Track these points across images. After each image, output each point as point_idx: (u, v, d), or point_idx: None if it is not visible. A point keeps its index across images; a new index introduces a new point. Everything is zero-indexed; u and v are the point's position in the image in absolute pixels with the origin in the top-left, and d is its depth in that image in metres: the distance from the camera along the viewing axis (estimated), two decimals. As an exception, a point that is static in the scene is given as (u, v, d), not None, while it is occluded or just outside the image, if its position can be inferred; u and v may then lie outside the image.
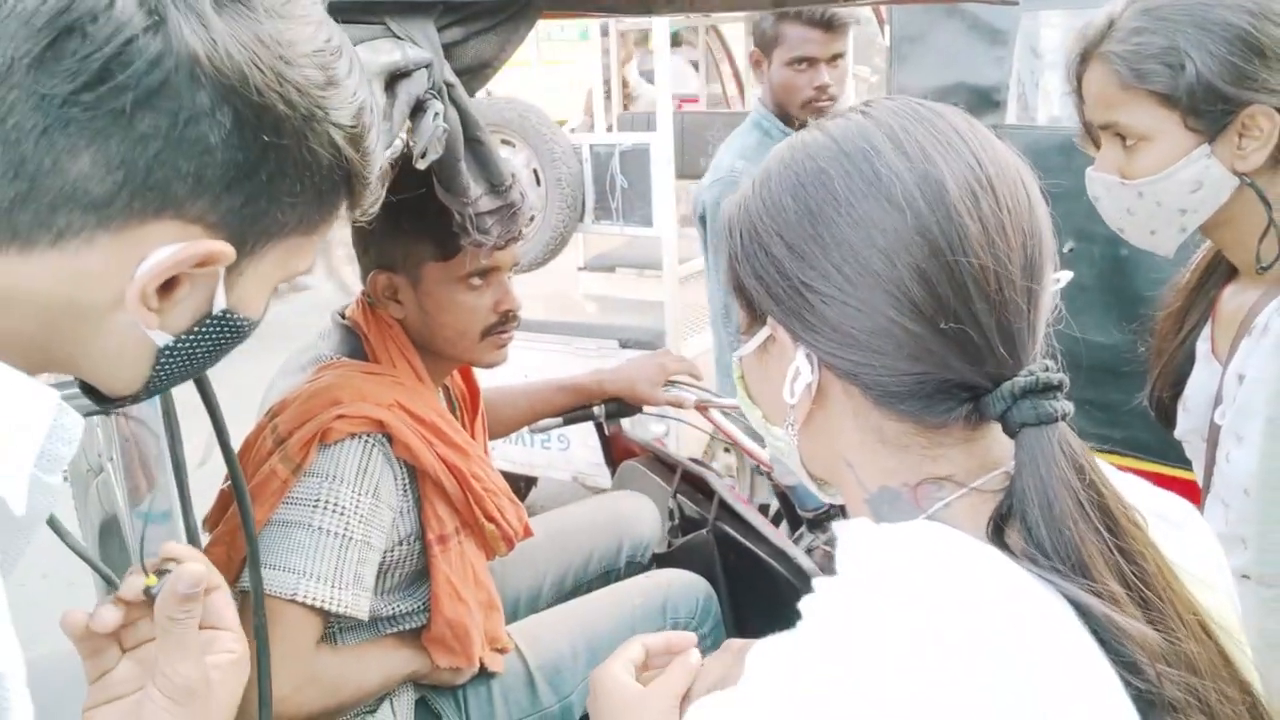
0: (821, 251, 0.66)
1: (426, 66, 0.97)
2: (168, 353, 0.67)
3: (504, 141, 3.23)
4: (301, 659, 1.33)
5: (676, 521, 2.18)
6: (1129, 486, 0.74)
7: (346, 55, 0.66)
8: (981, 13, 2.71)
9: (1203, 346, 1.28)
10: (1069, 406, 0.66)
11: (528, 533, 1.65)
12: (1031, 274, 0.66)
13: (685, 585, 1.79)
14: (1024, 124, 2.74)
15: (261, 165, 0.62)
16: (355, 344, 1.51)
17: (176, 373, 0.70)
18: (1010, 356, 0.65)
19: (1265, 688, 0.68)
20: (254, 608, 1.12)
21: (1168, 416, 1.35)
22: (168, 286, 0.63)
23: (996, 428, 0.68)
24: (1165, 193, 1.14)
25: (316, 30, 0.64)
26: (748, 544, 1.98)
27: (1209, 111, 1.09)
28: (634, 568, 2.05)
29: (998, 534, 0.65)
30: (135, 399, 0.72)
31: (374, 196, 0.72)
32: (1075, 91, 1.21)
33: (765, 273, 0.69)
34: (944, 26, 2.82)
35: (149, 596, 0.73)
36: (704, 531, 2.08)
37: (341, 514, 1.34)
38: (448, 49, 1.02)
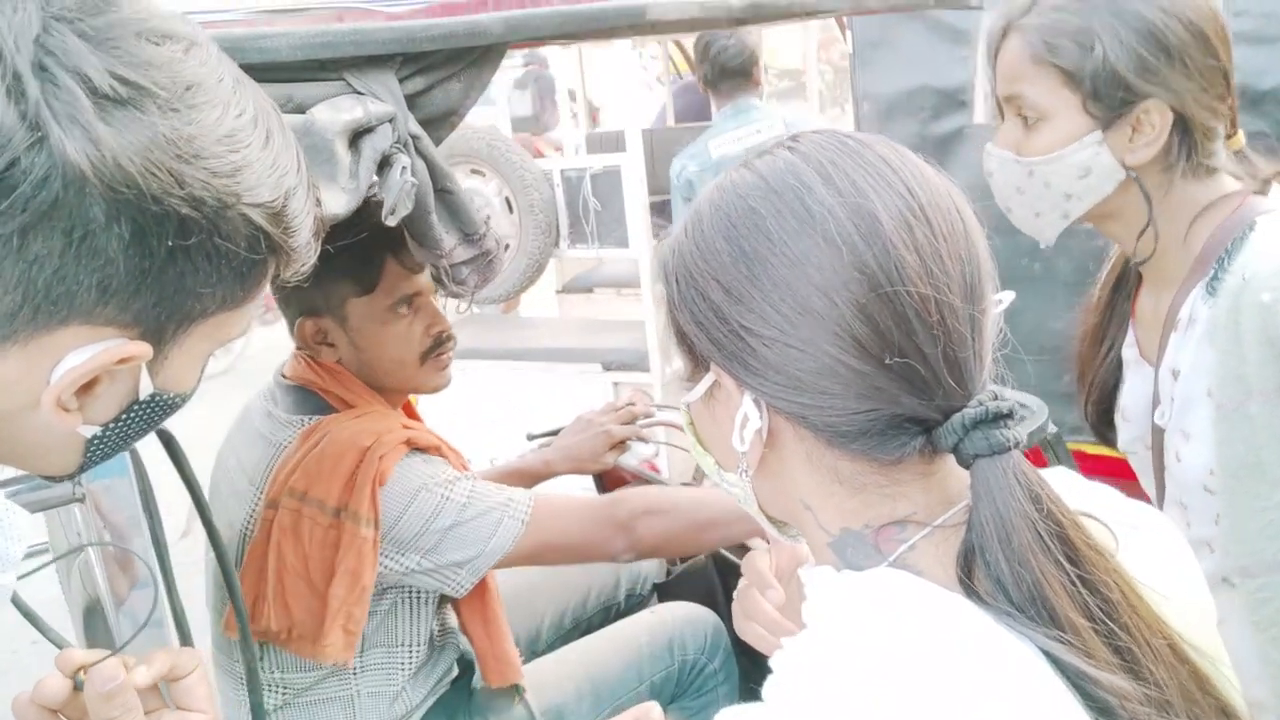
0: (759, 293, 0.64)
1: (390, 120, 0.95)
2: (98, 440, 0.67)
3: (474, 171, 3.22)
4: (587, 516, 1.47)
5: (674, 548, 2.15)
6: (1099, 498, 0.73)
7: (262, 125, 0.63)
8: (943, 14, 2.71)
9: (1129, 353, 1.28)
10: (1021, 435, 0.64)
11: None
12: (973, 300, 0.65)
13: (692, 620, 1.76)
14: (991, 123, 2.74)
15: (169, 266, 0.60)
16: (314, 401, 1.49)
17: (112, 450, 0.69)
18: (959, 387, 0.64)
19: (1272, 676, 0.67)
20: (248, 682, 1.09)
21: (1103, 434, 1.36)
22: (86, 385, 0.62)
23: (953, 459, 0.67)
24: (1054, 174, 1.16)
25: (223, 113, 0.61)
26: (748, 567, 1.95)
27: (1109, 97, 1.11)
28: (634, 600, 2.02)
29: (966, 574, 0.64)
30: (74, 476, 0.71)
31: (307, 256, 0.70)
32: (991, 65, 1.23)
33: (704, 318, 0.68)
34: (905, 29, 2.82)
35: (77, 684, 0.72)
36: (702, 557, 2.05)
37: (451, 480, 1.41)
38: (410, 99, 0.99)
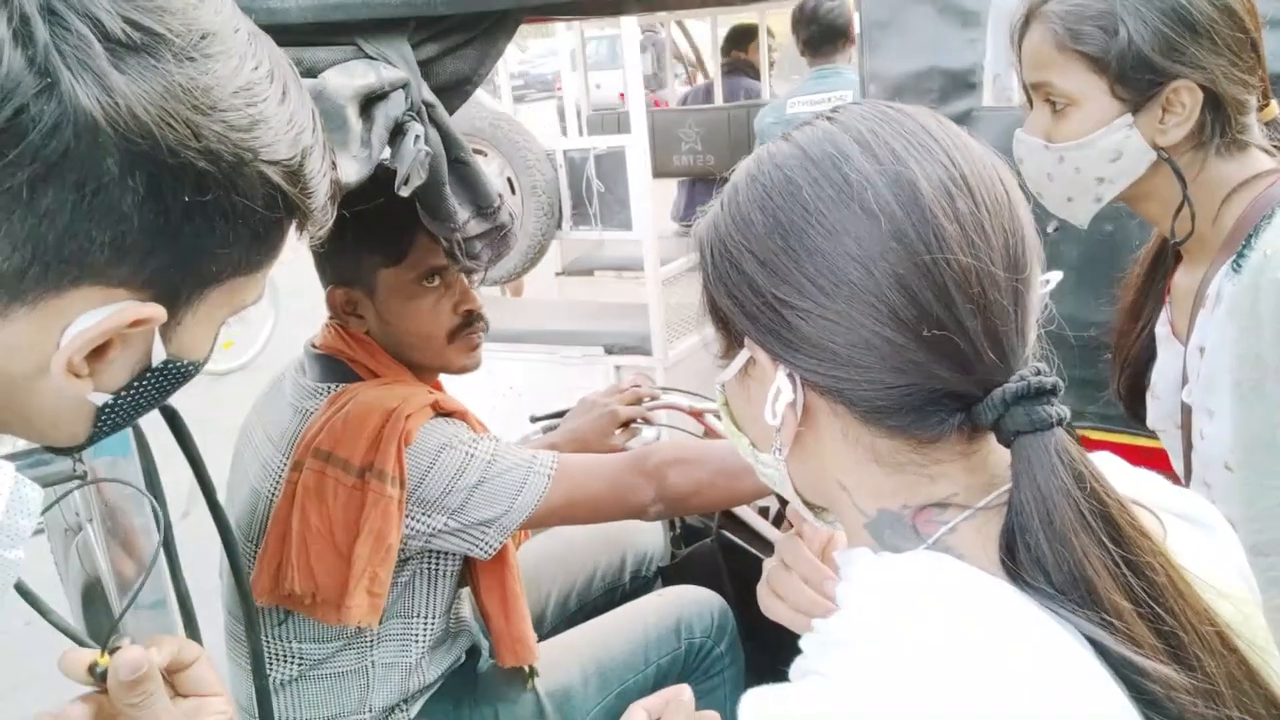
0: (794, 265, 0.63)
1: (403, 87, 0.91)
2: (108, 409, 0.64)
3: (476, 150, 3.16)
4: (614, 467, 1.45)
5: (679, 531, 2.14)
6: (1147, 486, 0.71)
7: (278, 80, 0.61)
8: (952, -5, 2.67)
9: (1162, 330, 1.28)
10: (1065, 411, 0.62)
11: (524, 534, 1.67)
12: (1016, 273, 0.62)
13: (698, 602, 1.74)
14: (1001, 105, 2.71)
15: (185, 224, 0.57)
16: (342, 369, 1.48)
17: (122, 421, 0.67)
18: (1000, 361, 0.62)
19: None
20: (253, 667, 1.06)
21: (1133, 410, 1.35)
22: (98, 350, 0.59)
23: (995, 439, 0.65)
24: (1085, 159, 1.15)
25: (240, 64, 0.58)
26: (754, 551, 1.94)
27: (1136, 80, 1.10)
28: (639, 582, 2.00)
29: (1010, 557, 0.62)
30: (82, 448, 0.69)
31: (324, 219, 0.67)
32: (1016, 53, 1.21)
33: (738, 291, 0.66)
34: (914, 11, 2.79)
35: (96, 677, 0.70)
36: (709, 540, 2.04)
37: (475, 439, 1.40)
38: (424, 66, 0.96)
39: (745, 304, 0.65)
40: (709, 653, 1.71)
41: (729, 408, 0.74)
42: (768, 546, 1.93)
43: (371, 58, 0.91)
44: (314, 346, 1.53)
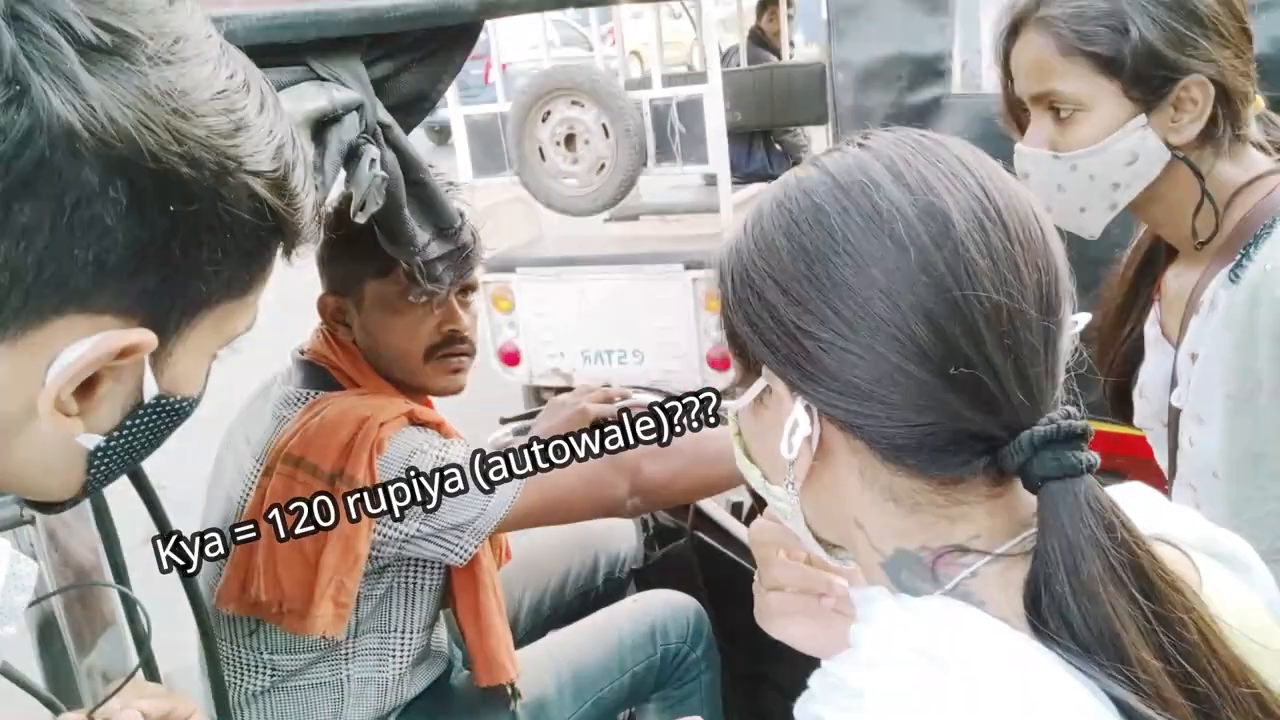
0: (818, 294, 0.61)
1: (357, 109, 0.88)
2: (101, 453, 0.60)
3: (574, 103, 3.67)
4: (586, 465, 1.36)
5: (652, 532, 2.13)
6: (1182, 523, 0.69)
7: (255, 89, 0.58)
8: (920, -19, 2.66)
9: (1151, 330, 1.26)
10: (1094, 457, 0.60)
11: (507, 555, 1.65)
12: (1048, 312, 0.60)
13: (674, 608, 1.73)
14: (970, 92, 2.70)
15: (172, 238, 0.54)
16: (325, 377, 1.46)
17: (117, 467, 0.63)
18: (1028, 403, 0.59)
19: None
20: (214, 693, 1.04)
21: (1121, 409, 1.34)
22: (87, 386, 0.56)
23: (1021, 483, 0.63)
24: (1100, 165, 1.12)
25: (216, 69, 0.55)
26: (728, 553, 1.93)
27: (1149, 78, 1.07)
28: (612, 584, 1.99)
29: (1034, 608, 0.59)
30: (76, 501, 0.64)
31: (311, 237, 0.64)
32: (1002, 68, 1.18)
33: (759, 319, 0.64)
34: (882, -3, 2.77)
35: None
36: (682, 541, 2.03)
37: (446, 444, 1.37)
38: (378, 85, 0.92)
39: (764, 332, 0.63)
40: (684, 658, 1.70)
41: (741, 438, 0.72)
42: (741, 547, 1.92)
43: (323, 79, 0.87)
44: (301, 353, 1.50)
